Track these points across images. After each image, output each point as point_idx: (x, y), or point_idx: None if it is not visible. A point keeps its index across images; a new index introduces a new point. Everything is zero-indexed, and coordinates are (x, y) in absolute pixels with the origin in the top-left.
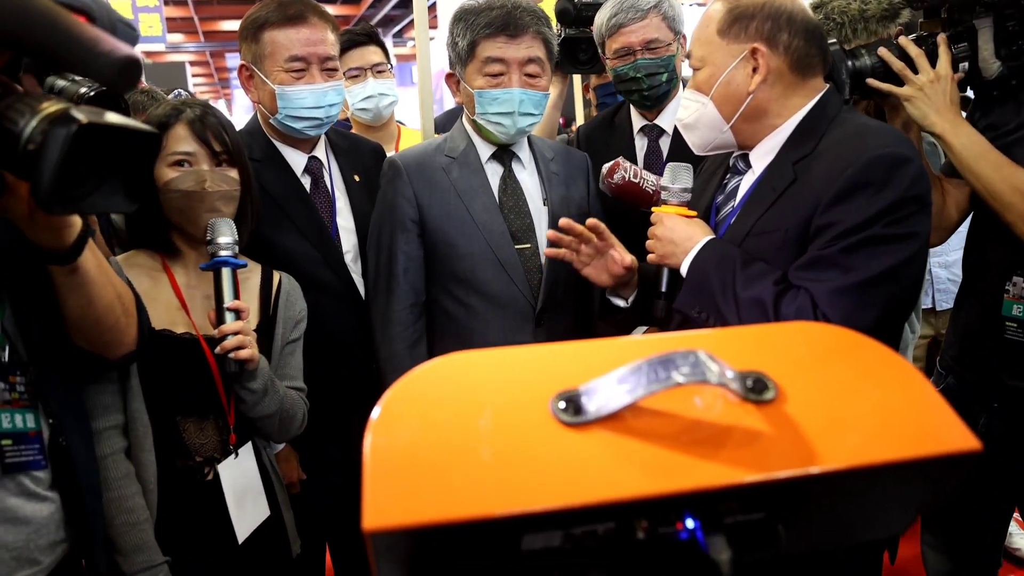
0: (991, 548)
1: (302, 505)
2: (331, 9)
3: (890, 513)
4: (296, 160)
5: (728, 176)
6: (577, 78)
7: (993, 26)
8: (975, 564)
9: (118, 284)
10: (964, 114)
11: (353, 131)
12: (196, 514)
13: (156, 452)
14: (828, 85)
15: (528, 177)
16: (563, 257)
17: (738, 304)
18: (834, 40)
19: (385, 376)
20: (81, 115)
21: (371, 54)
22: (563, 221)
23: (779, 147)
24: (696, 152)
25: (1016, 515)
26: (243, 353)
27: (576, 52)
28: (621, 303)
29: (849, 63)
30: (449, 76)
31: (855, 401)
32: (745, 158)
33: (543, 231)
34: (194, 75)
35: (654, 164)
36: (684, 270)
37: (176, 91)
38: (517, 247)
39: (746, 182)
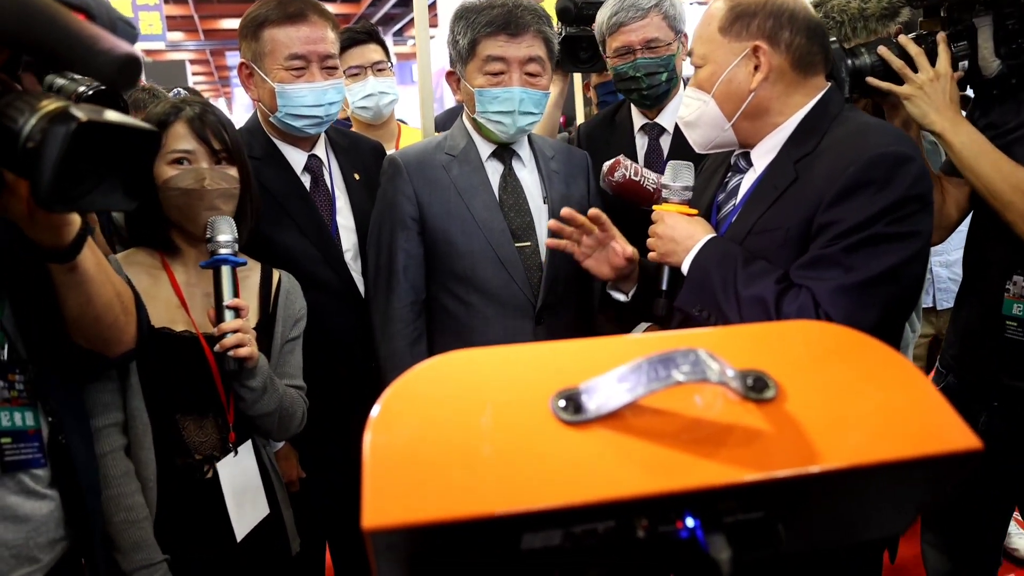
0: (991, 547)
1: (302, 503)
2: (331, 7)
3: (890, 512)
4: (296, 158)
5: (729, 174)
6: (577, 77)
7: (993, 24)
8: (975, 563)
9: (117, 282)
10: (964, 113)
11: (353, 129)
12: (195, 512)
13: (155, 450)
14: (830, 83)
15: (528, 175)
16: (564, 248)
17: (739, 302)
18: (834, 39)
19: (385, 374)
20: (80, 113)
21: (371, 52)
22: (565, 211)
23: (780, 145)
24: (697, 150)
25: (1016, 515)
26: (242, 351)
27: (577, 51)
28: (621, 297)
29: (849, 62)
30: (450, 74)
31: (856, 400)
32: (746, 156)
33: (543, 229)
34: (194, 73)
35: (655, 162)
36: (685, 268)
37: (176, 90)
38: (517, 245)
39: (747, 180)
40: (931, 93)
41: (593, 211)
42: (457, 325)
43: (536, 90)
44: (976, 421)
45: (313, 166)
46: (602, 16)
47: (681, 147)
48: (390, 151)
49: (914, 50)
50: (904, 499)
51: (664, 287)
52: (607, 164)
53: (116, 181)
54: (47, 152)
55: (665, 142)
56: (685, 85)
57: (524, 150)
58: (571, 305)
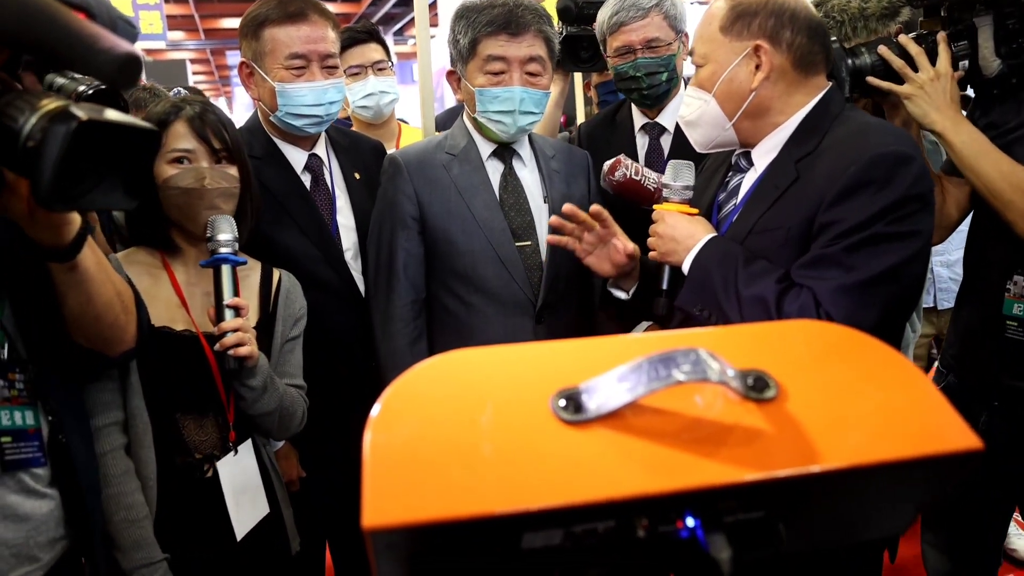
0: (991, 548)
1: (302, 503)
2: (332, 7)
3: (891, 512)
4: (296, 158)
5: (730, 174)
6: (578, 77)
7: (993, 24)
8: (975, 563)
9: (117, 281)
10: (964, 113)
11: (354, 129)
12: (195, 511)
13: (155, 449)
14: (831, 83)
15: (529, 174)
16: (565, 245)
17: (740, 302)
18: (834, 38)
19: (385, 373)
20: (81, 112)
21: (372, 52)
22: (567, 207)
23: (781, 145)
24: (698, 150)
25: (1016, 515)
26: (242, 350)
27: (578, 50)
28: (622, 295)
29: (849, 61)
30: (450, 73)
31: (856, 400)
32: (747, 156)
33: (543, 229)
34: (195, 73)
35: (655, 162)
36: (686, 268)
37: (176, 89)
38: (517, 244)
39: (748, 180)
40: (931, 92)
41: (595, 207)
42: (457, 324)
43: (537, 89)
44: (976, 421)
45: (313, 165)
46: (603, 15)
47: (682, 147)
48: (391, 150)
49: (914, 49)
50: (904, 499)
51: (664, 286)
52: (608, 163)
53: (116, 180)
54: (47, 151)
55: (666, 142)
56: (686, 85)
57: (525, 149)
58: (571, 304)
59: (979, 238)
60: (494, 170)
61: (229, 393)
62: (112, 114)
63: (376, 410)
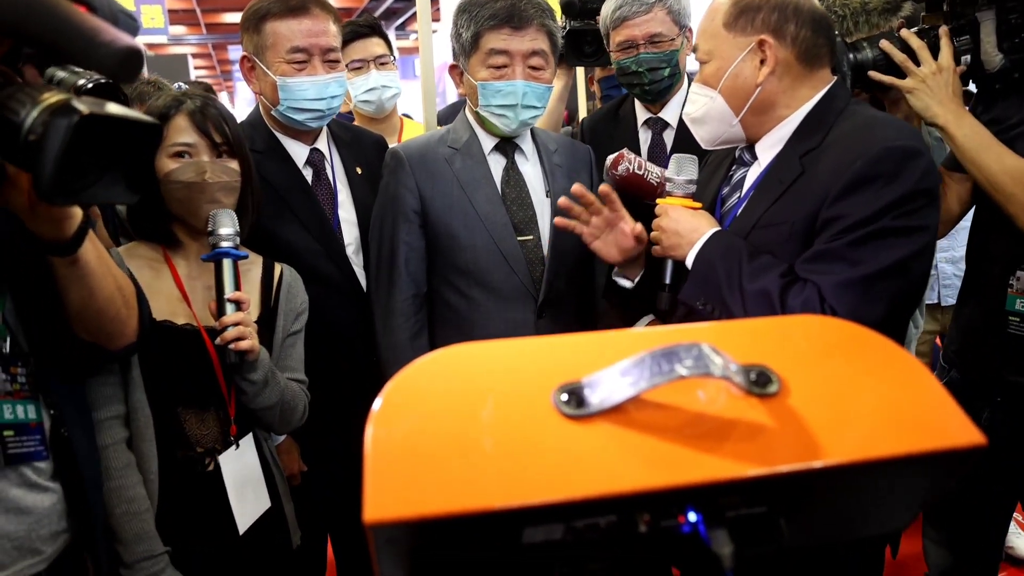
0: (993, 543)
1: (303, 497)
2: (333, 1)
3: (893, 508)
4: (298, 152)
5: (734, 168)
6: (581, 72)
7: (995, 19)
8: (977, 559)
9: (119, 275)
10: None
11: (356, 123)
12: (196, 505)
13: (157, 443)
14: (836, 77)
15: (531, 169)
16: (572, 228)
17: (744, 296)
18: (836, 32)
19: (386, 367)
20: (82, 106)
21: (374, 46)
22: (576, 187)
23: (786, 139)
24: (704, 146)
25: (1016, 515)
26: (243, 344)
27: (581, 44)
28: (627, 283)
29: (851, 56)
30: (452, 67)
31: (859, 395)
32: (751, 149)
33: (546, 223)
34: (196, 67)
35: (658, 157)
36: (689, 262)
37: (176, 84)
38: (519, 239)
39: (752, 174)
40: (934, 86)
41: (603, 188)
42: (459, 319)
43: (539, 84)
44: (979, 417)
45: (315, 160)
46: (606, 10)
47: (685, 142)
48: (392, 145)
49: (916, 43)
50: (907, 494)
51: (667, 281)
52: (611, 158)
53: (118, 174)
54: (49, 145)
55: (668, 136)
56: (689, 80)
57: (527, 144)
58: (573, 299)
59: (981, 233)
60: (496, 164)
61: (230, 387)
62: (113, 108)
63: (377, 404)
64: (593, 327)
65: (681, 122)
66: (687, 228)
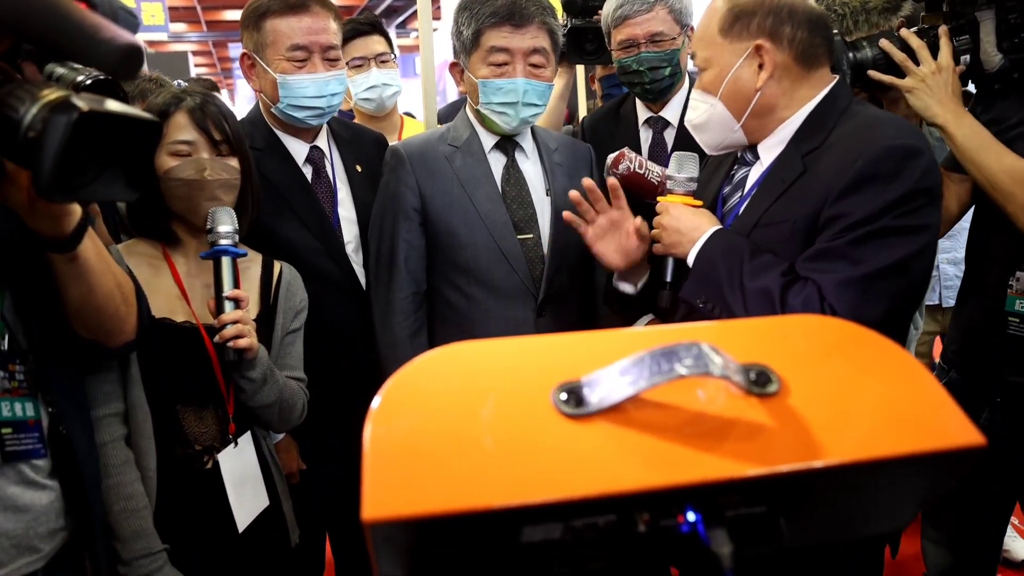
0: (992, 543)
1: (302, 495)
2: None
3: (892, 508)
4: (298, 149)
5: (735, 167)
6: (580, 71)
7: (995, 19)
8: (976, 559)
9: (118, 272)
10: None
11: (356, 121)
12: (195, 503)
13: (155, 440)
14: (837, 76)
15: (531, 167)
16: (577, 225)
17: (744, 295)
18: (835, 31)
19: (385, 365)
20: (82, 103)
21: (375, 44)
22: (586, 181)
23: (788, 139)
24: (708, 152)
25: (1012, 519)
26: (242, 342)
27: (582, 42)
28: (629, 289)
29: (850, 55)
30: (453, 65)
31: (859, 395)
32: (753, 149)
33: (546, 221)
34: (197, 65)
35: (659, 156)
36: (691, 260)
37: (176, 82)
38: (519, 237)
39: (754, 173)
40: (933, 86)
41: (611, 182)
42: (458, 317)
43: (540, 82)
44: (978, 417)
45: (315, 157)
46: (607, 8)
47: (685, 141)
48: (393, 143)
49: (916, 43)
50: (906, 494)
51: (668, 279)
52: (611, 156)
53: (117, 171)
54: (48, 142)
55: (669, 136)
56: (691, 79)
57: (527, 142)
58: (573, 298)
59: (981, 234)
60: (497, 162)
61: (229, 385)
62: (113, 105)
63: (376, 403)
64: (593, 326)
65: (682, 121)
66: (688, 226)
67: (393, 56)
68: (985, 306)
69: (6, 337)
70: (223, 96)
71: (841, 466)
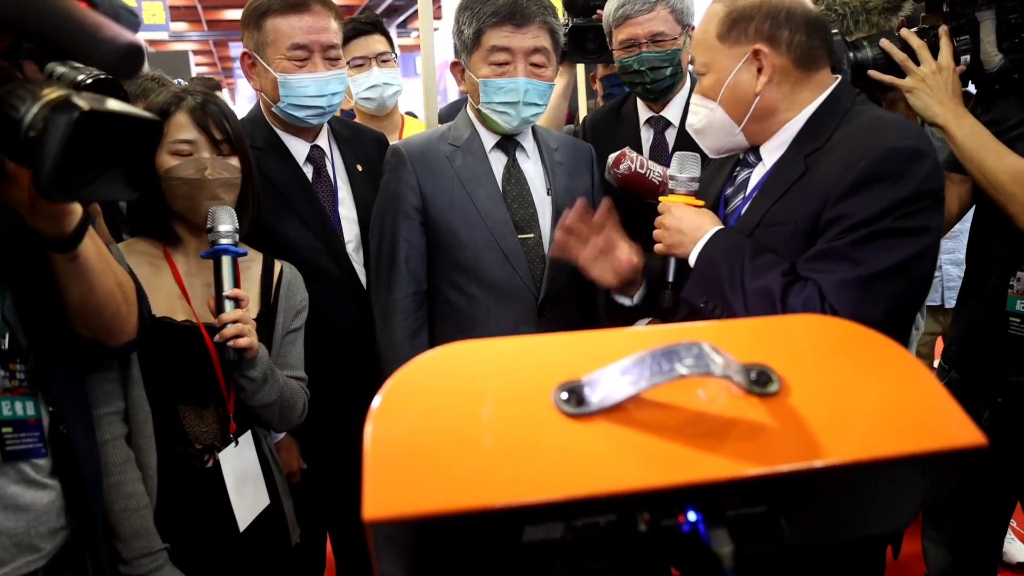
0: (992, 544)
1: (302, 494)
2: None
3: (893, 508)
4: (298, 149)
5: (738, 168)
6: (581, 71)
7: (995, 19)
8: (976, 559)
9: (119, 272)
10: None
11: (357, 120)
12: (196, 502)
13: (156, 439)
14: (838, 78)
15: (532, 166)
16: (569, 252)
17: (745, 295)
18: (835, 31)
19: (385, 365)
20: (82, 102)
21: (375, 43)
22: (579, 203)
23: (790, 141)
24: (710, 155)
25: (1012, 523)
26: (242, 341)
27: (584, 41)
28: (627, 301)
29: (850, 55)
30: (454, 64)
31: (860, 395)
32: (755, 151)
33: (547, 221)
34: (197, 64)
35: (660, 156)
36: (692, 260)
37: (177, 80)
38: (520, 237)
39: (756, 175)
40: (934, 85)
41: (607, 201)
42: (459, 317)
43: (541, 81)
44: (979, 417)
45: (315, 157)
46: (609, 7)
47: (686, 141)
48: (393, 142)
49: (916, 43)
50: (907, 494)
51: (670, 279)
52: (612, 156)
53: (118, 171)
54: (49, 141)
55: (670, 135)
56: (692, 79)
57: (528, 141)
58: (574, 297)
59: (982, 234)
60: (497, 162)
61: (229, 384)
62: (114, 104)
63: (377, 402)
64: (593, 326)
65: (683, 121)
66: (690, 226)
67: (394, 55)
68: (986, 306)
69: (7, 336)
70: (224, 95)
71: (842, 466)
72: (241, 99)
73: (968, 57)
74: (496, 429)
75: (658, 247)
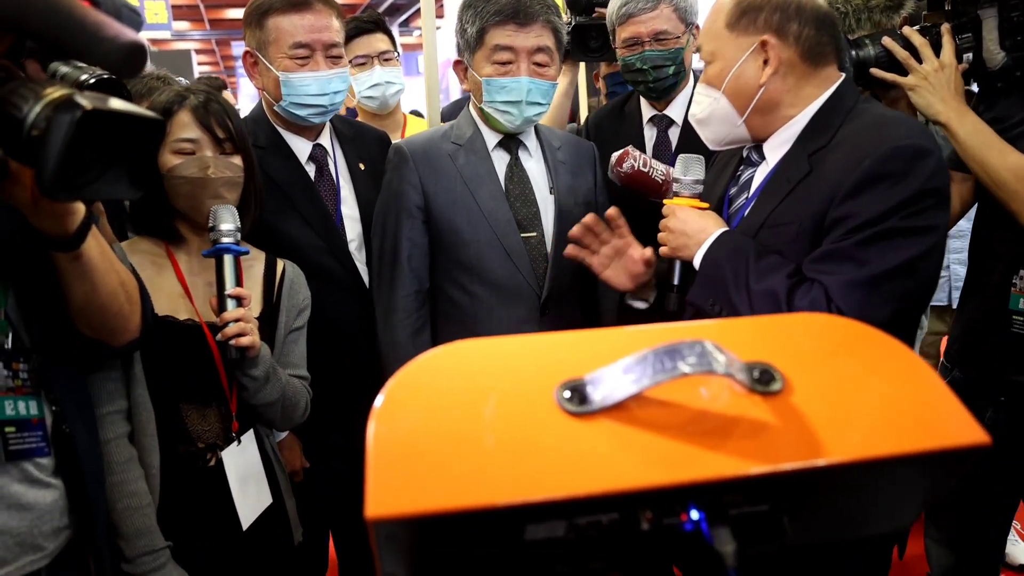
0: (994, 543)
1: (305, 493)
2: None
3: (896, 507)
4: (301, 148)
5: (741, 168)
6: (582, 71)
7: (997, 16)
8: (978, 559)
9: (122, 271)
10: None
11: (359, 119)
12: (198, 500)
13: (159, 438)
14: (843, 75)
15: (535, 165)
16: (582, 258)
17: (751, 296)
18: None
19: (386, 364)
20: (85, 101)
21: (378, 42)
22: (588, 217)
23: (794, 138)
24: (711, 147)
25: (1015, 524)
26: (244, 340)
27: (587, 40)
28: (642, 305)
29: (853, 53)
30: (457, 63)
31: (862, 393)
32: (759, 149)
33: (549, 220)
34: (200, 63)
35: (663, 154)
36: (697, 262)
37: (180, 80)
38: (523, 235)
39: (760, 174)
40: (936, 83)
41: (612, 211)
42: (462, 315)
43: (544, 80)
44: (982, 416)
45: (318, 155)
46: (612, 6)
47: (690, 140)
48: (396, 141)
49: (918, 41)
50: (909, 493)
51: (676, 282)
52: (615, 155)
53: (121, 170)
54: (52, 140)
55: (674, 134)
56: (695, 78)
57: (531, 140)
58: (576, 296)
59: (984, 232)
60: (500, 160)
61: (232, 383)
62: (116, 103)
63: (379, 401)
64: (596, 324)
65: (686, 120)
66: (694, 228)
67: (396, 54)
68: (988, 305)
69: (10, 335)
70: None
71: (845, 464)
72: (244, 98)
73: (970, 55)
74: (498, 428)
75: (663, 250)
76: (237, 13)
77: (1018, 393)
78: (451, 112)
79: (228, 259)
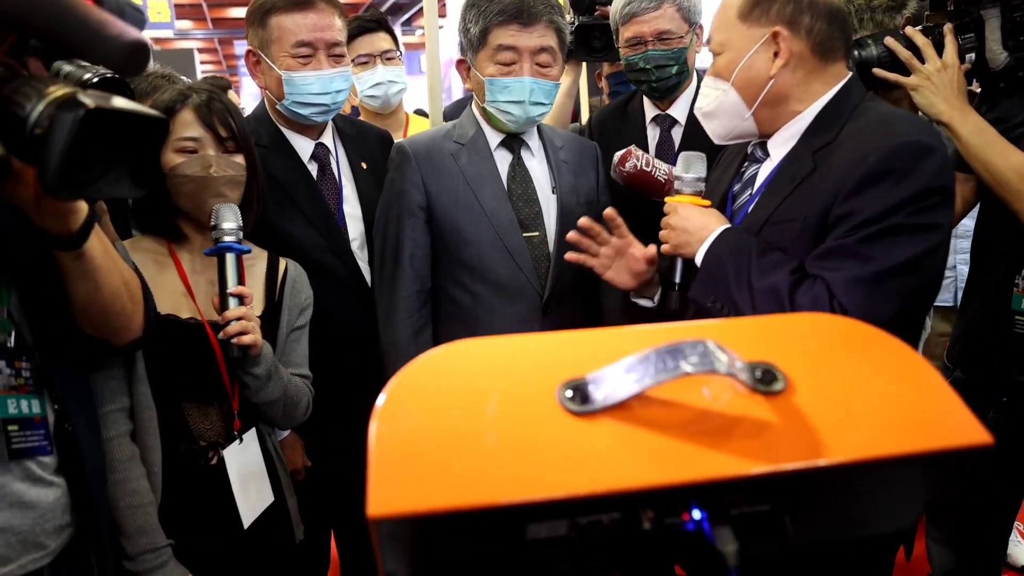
0: (995, 543)
1: (307, 492)
2: None
3: (898, 507)
4: (303, 147)
5: (745, 164)
6: (584, 71)
7: (1000, 16)
8: (978, 559)
9: (124, 270)
10: None
11: (361, 118)
12: (200, 499)
13: (161, 436)
14: (851, 72)
15: (537, 164)
16: (583, 262)
17: (753, 294)
18: None
19: (388, 363)
20: (88, 99)
21: (380, 41)
22: (583, 220)
23: (799, 135)
24: (717, 141)
25: (1017, 524)
26: (246, 339)
27: (590, 39)
28: (647, 303)
29: (855, 53)
30: (460, 62)
31: (865, 393)
32: (763, 146)
33: (552, 219)
34: (202, 62)
35: (666, 154)
36: (699, 260)
37: (183, 79)
38: (525, 235)
39: (764, 170)
40: (938, 83)
41: (608, 211)
42: (464, 315)
43: (547, 80)
44: (984, 416)
45: (320, 154)
46: (616, 5)
47: (693, 139)
48: (398, 140)
49: (921, 41)
50: (912, 493)
51: (678, 280)
52: (618, 154)
53: (124, 168)
54: (55, 139)
55: (677, 133)
56: (698, 77)
57: (533, 139)
58: (579, 296)
59: (987, 232)
60: (502, 160)
61: (234, 381)
62: (120, 102)
63: (381, 400)
64: (598, 324)
65: (689, 119)
66: (696, 226)
67: (398, 53)
68: (990, 305)
69: (12, 334)
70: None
71: (847, 464)
72: (246, 97)
73: (973, 55)
74: (500, 427)
75: (664, 247)
76: (240, 12)
77: (1020, 393)
78: (453, 111)
79: (230, 258)
